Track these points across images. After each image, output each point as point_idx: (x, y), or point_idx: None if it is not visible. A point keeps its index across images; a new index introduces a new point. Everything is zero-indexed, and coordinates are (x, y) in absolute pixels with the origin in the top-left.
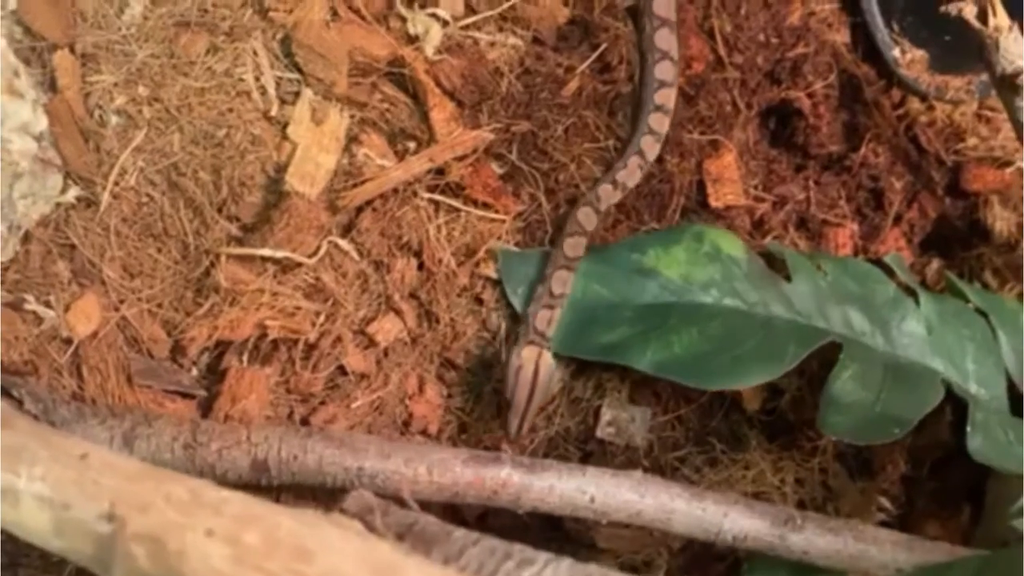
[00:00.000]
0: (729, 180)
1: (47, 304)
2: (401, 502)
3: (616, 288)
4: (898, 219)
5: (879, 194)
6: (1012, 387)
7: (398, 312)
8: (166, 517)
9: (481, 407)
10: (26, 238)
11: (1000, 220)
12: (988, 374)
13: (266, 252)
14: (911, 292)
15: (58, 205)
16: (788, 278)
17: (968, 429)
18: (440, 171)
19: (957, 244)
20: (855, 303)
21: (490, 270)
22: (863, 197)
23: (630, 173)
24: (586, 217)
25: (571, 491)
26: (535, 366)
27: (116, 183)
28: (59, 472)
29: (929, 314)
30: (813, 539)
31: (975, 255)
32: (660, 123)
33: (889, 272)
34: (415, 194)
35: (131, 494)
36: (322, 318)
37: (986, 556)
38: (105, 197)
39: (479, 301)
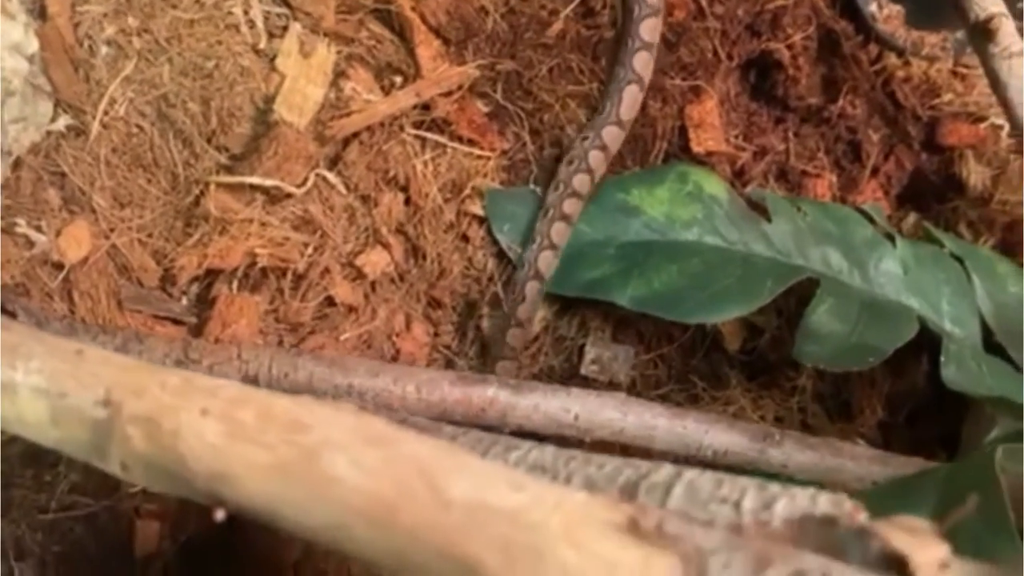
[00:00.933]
0: (710, 125)
1: (38, 229)
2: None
3: (600, 227)
4: (875, 171)
5: (857, 146)
6: (987, 331)
7: (385, 246)
8: (161, 401)
9: (466, 346)
10: (17, 164)
11: (975, 174)
12: (962, 315)
13: (255, 180)
14: (889, 238)
15: (49, 133)
16: (769, 220)
17: (942, 359)
18: (426, 107)
19: (932, 197)
20: (834, 243)
21: (476, 207)
22: (841, 149)
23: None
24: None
25: (556, 409)
26: None
27: (106, 113)
28: (55, 365)
29: (906, 256)
30: (792, 454)
31: (950, 208)
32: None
33: (869, 220)
34: (401, 128)
35: (126, 381)
36: (310, 249)
37: (954, 464)
38: (95, 127)
39: (465, 239)
